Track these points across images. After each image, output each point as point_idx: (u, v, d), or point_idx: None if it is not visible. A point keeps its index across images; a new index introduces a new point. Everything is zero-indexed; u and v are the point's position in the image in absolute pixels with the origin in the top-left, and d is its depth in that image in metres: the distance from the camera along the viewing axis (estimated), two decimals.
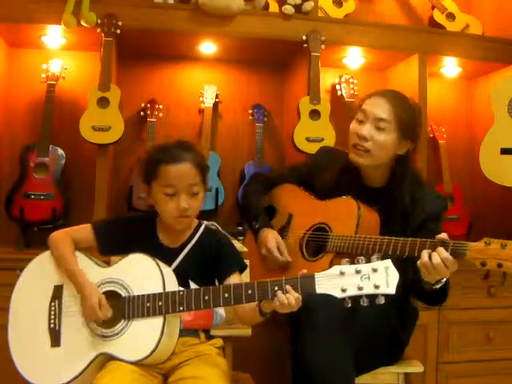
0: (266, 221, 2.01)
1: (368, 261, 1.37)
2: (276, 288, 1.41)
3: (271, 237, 1.94)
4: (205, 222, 1.72)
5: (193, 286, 1.59)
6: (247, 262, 1.80)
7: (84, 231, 1.66)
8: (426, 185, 1.93)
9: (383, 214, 1.81)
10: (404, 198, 1.81)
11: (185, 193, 1.57)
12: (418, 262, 1.55)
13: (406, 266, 1.61)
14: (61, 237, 1.63)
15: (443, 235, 1.54)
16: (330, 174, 1.94)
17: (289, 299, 1.39)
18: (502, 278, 1.45)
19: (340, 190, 1.88)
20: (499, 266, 1.44)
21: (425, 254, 1.54)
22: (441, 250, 1.51)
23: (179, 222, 1.61)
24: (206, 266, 1.63)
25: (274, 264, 1.92)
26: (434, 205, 1.83)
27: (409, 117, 1.81)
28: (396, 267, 1.38)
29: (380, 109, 1.79)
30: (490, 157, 2.67)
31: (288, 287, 1.40)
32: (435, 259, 1.51)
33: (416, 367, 1.88)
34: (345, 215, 1.81)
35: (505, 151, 2.63)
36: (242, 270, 1.65)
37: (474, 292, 2.56)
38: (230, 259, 1.65)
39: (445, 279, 1.61)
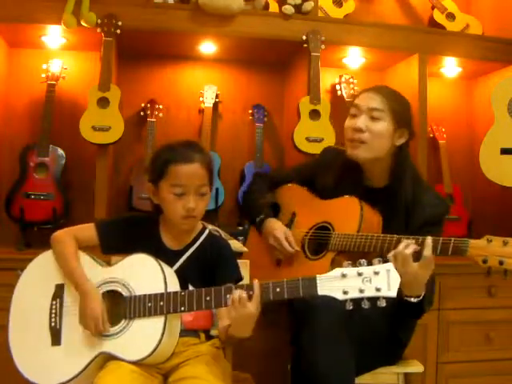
0: (271, 214, 2.01)
1: (370, 263, 1.37)
2: (278, 289, 1.41)
3: (279, 227, 1.95)
4: (209, 227, 1.72)
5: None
6: (247, 261, 1.80)
7: (87, 230, 1.66)
8: (428, 185, 1.93)
9: (386, 213, 1.81)
10: (406, 196, 1.81)
11: (193, 193, 1.57)
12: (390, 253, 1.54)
13: None
14: (63, 237, 1.63)
15: None
16: (332, 174, 1.94)
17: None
18: (504, 275, 1.45)
19: (342, 190, 1.88)
20: (500, 263, 1.45)
21: (403, 243, 1.54)
22: (428, 243, 1.52)
23: (185, 222, 1.60)
24: (205, 271, 1.63)
25: (281, 254, 1.93)
26: (434, 209, 1.81)
27: (401, 105, 1.85)
28: None
29: (372, 100, 1.82)
30: (490, 157, 2.67)
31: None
32: (408, 249, 1.51)
33: (416, 367, 1.88)
34: (347, 215, 1.81)
35: (505, 151, 2.63)
36: (237, 281, 1.60)
37: (474, 292, 2.56)
38: (226, 270, 1.64)
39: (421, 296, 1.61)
